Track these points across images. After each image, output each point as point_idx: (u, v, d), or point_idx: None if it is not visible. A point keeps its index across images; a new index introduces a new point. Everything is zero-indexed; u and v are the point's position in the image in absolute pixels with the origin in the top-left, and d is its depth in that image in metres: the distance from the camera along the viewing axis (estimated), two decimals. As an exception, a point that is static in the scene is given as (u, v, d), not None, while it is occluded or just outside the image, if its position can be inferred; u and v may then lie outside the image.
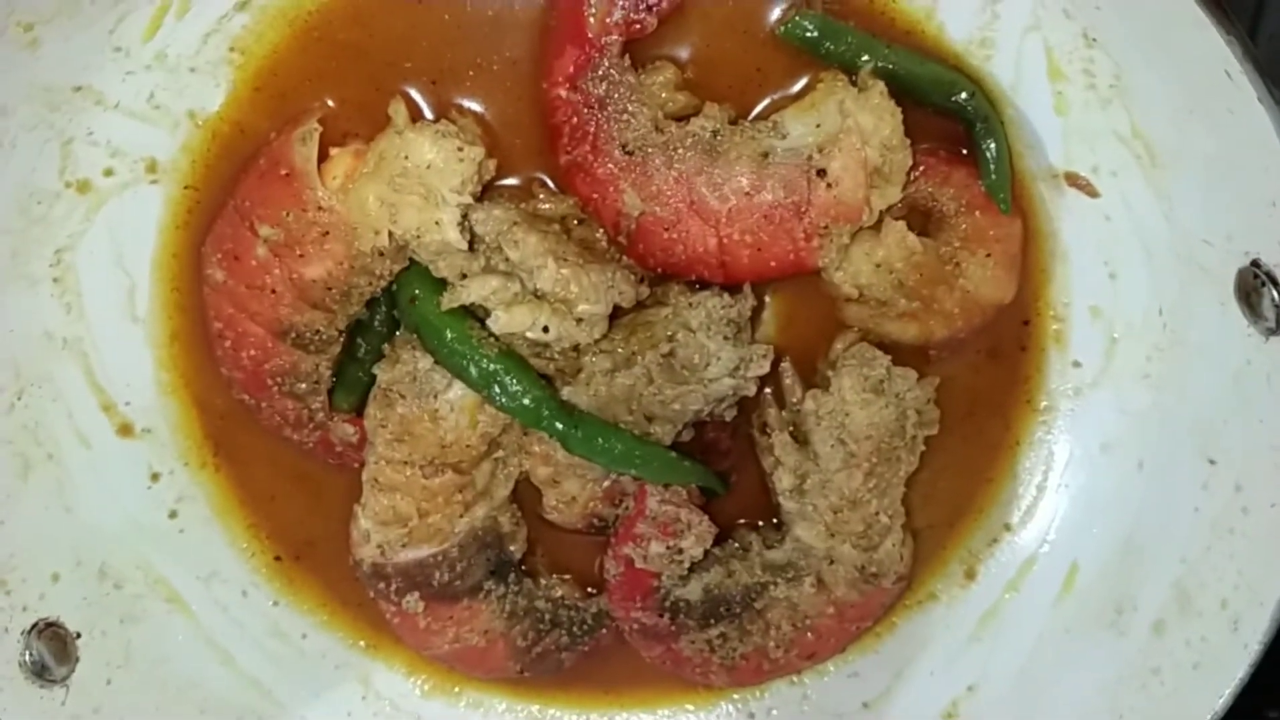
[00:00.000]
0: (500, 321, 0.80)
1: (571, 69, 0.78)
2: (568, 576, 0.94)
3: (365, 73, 0.81)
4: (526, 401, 0.82)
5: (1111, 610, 0.85)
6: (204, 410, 0.90)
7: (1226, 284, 0.72)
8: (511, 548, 0.92)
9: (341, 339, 0.86)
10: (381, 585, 0.89)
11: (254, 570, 0.93)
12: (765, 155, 0.79)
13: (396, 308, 0.85)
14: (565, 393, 0.84)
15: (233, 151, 0.83)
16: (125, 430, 0.88)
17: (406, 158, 0.77)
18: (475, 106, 0.82)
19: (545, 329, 0.80)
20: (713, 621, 0.90)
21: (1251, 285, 0.70)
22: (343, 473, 0.90)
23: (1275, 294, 0.68)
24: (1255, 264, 0.69)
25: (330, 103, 0.82)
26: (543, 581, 0.93)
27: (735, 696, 0.97)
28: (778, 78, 0.80)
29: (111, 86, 0.78)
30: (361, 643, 0.96)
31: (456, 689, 0.97)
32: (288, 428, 0.88)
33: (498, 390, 0.82)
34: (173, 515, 0.91)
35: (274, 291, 0.82)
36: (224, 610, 0.92)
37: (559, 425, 0.83)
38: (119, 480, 0.88)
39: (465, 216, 0.80)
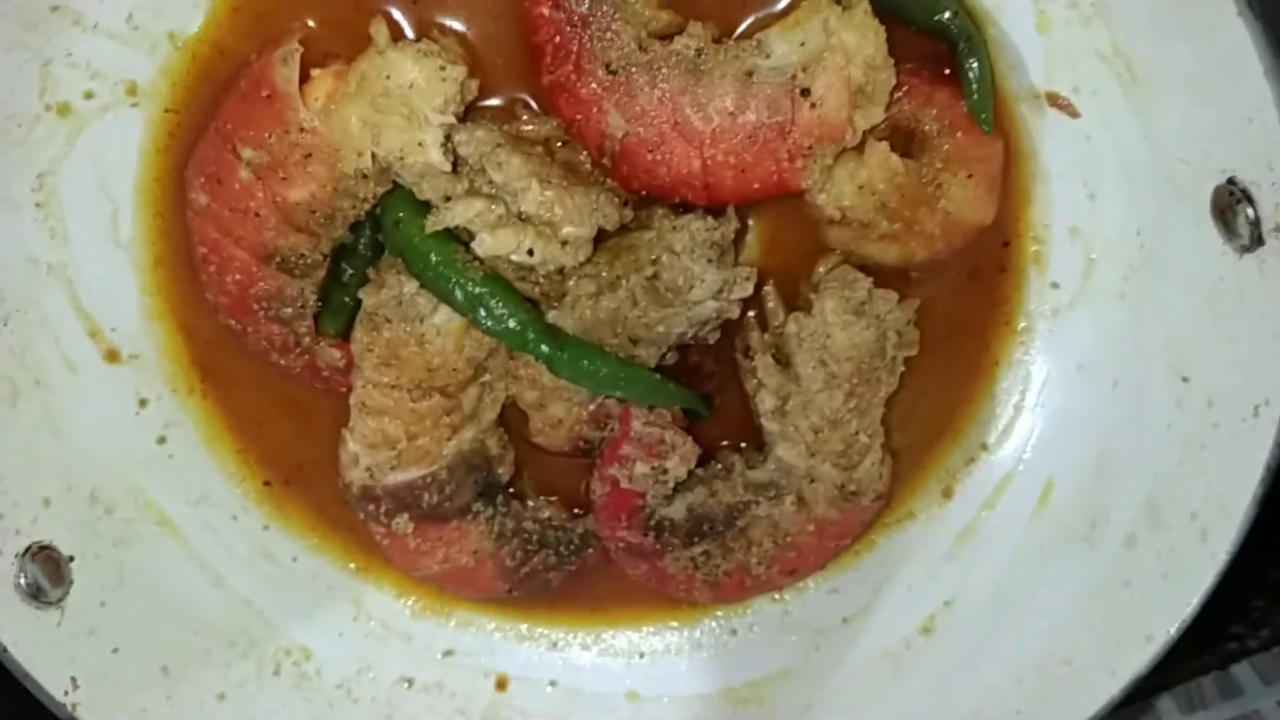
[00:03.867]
0: (485, 244, 0.80)
1: (554, -10, 0.78)
2: (555, 498, 0.96)
3: (344, -8, 0.81)
4: (512, 324, 0.83)
5: (1085, 525, 0.87)
6: (190, 336, 0.90)
7: (1203, 202, 0.73)
8: (499, 470, 0.93)
9: (326, 263, 0.86)
10: (371, 507, 0.90)
11: (244, 495, 0.94)
12: (749, 74, 0.79)
13: (381, 231, 0.85)
14: (550, 316, 0.85)
15: (213, 74, 0.82)
16: (112, 356, 0.88)
17: (388, 78, 0.77)
18: (457, 26, 0.81)
19: (530, 252, 0.81)
20: (696, 540, 0.92)
21: (1227, 203, 0.71)
22: (330, 397, 0.91)
23: (1250, 211, 0.69)
24: (1231, 181, 0.70)
25: (310, 23, 0.81)
26: (530, 503, 0.95)
27: (719, 613, 0.99)
28: (762, -3, 0.80)
29: (89, 6, 0.77)
30: (352, 565, 0.97)
31: (446, 609, 0.99)
32: (274, 353, 0.88)
33: (483, 313, 0.83)
34: (161, 441, 0.91)
35: (258, 215, 0.82)
36: (215, 534, 0.93)
37: (544, 348, 0.83)
38: (107, 406, 0.89)
39: (448, 138, 0.80)
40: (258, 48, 0.81)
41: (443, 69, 0.77)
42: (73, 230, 0.84)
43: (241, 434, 0.94)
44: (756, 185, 0.82)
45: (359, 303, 0.86)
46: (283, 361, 0.89)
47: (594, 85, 0.80)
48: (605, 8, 0.78)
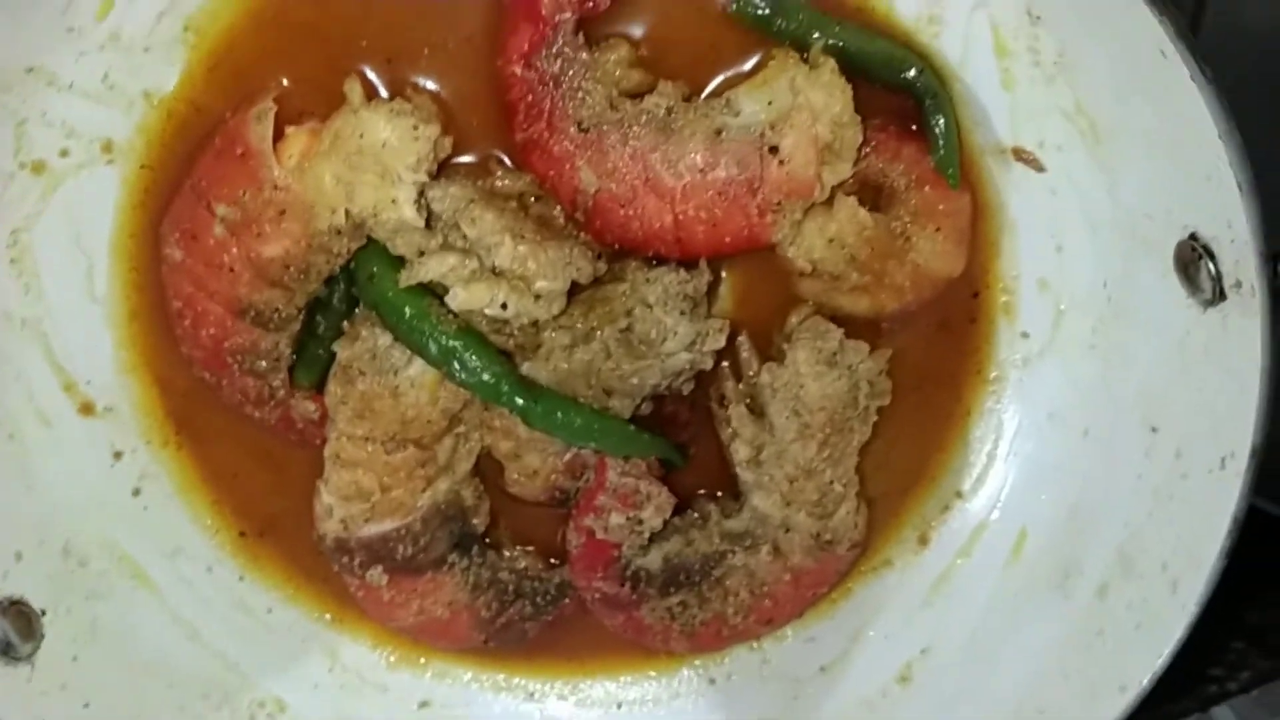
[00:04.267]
0: (459, 298, 0.81)
1: (526, 46, 0.79)
2: (531, 548, 0.96)
3: (320, 52, 0.81)
4: (486, 377, 0.83)
5: (1059, 574, 0.88)
6: (165, 389, 0.91)
7: (1167, 257, 0.74)
8: (475, 521, 0.93)
9: (301, 317, 0.86)
10: (345, 559, 0.90)
11: (218, 546, 0.94)
12: (718, 132, 0.80)
13: (355, 285, 0.86)
14: (525, 368, 0.85)
15: (188, 131, 0.83)
16: (87, 409, 0.89)
17: (362, 136, 0.78)
18: (431, 85, 0.82)
19: (504, 305, 0.81)
20: (673, 590, 0.92)
21: (1189, 258, 0.72)
22: (305, 449, 0.91)
23: (1211, 266, 0.70)
24: (1193, 237, 0.71)
25: (285, 82, 0.82)
26: (506, 554, 0.95)
27: (696, 663, 0.99)
28: (730, 55, 0.81)
29: (65, 67, 0.78)
30: (327, 616, 0.97)
31: (422, 660, 0.99)
32: (249, 405, 0.89)
33: (457, 366, 0.83)
34: (136, 493, 0.91)
35: (232, 270, 0.82)
36: (189, 586, 0.93)
37: (519, 400, 0.84)
38: (81, 459, 0.89)
39: (422, 194, 0.80)
40: (233, 106, 0.81)
41: (416, 128, 0.78)
42: (47, 285, 0.84)
43: (216, 485, 0.94)
44: (727, 239, 0.82)
45: (333, 355, 0.86)
46: (257, 414, 0.89)
47: (566, 142, 0.80)
48: (577, 67, 0.79)
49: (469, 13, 0.81)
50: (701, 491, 0.95)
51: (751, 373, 0.89)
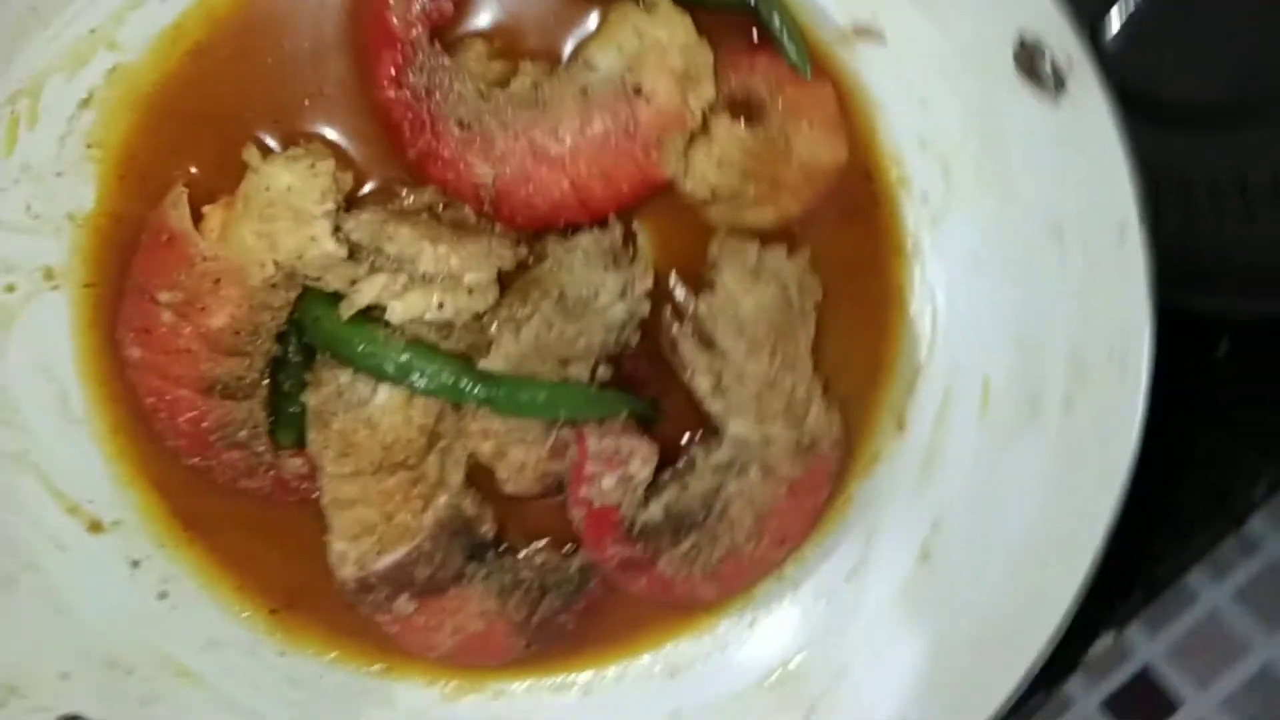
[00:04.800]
0: (398, 312, 0.86)
1: (392, 70, 0.86)
2: (544, 542, 0.99)
3: (214, 133, 0.88)
4: (445, 378, 0.88)
5: (1027, 408, 0.91)
6: (164, 491, 0.95)
7: (1009, 69, 0.80)
8: (482, 529, 0.97)
9: (265, 379, 0.91)
10: (370, 598, 0.93)
11: (254, 628, 0.98)
12: (584, 91, 0.86)
13: (305, 334, 0.91)
14: (481, 365, 0.90)
15: (117, 241, 0.89)
16: (95, 527, 0.93)
17: (268, 188, 0.84)
18: (319, 130, 0.89)
19: (440, 306, 0.86)
20: (682, 535, 0.95)
21: (1026, 60, 0.78)
22: (306, 508, 0.95)
23: (1046, 58, 0.75)
24: (1021, 41, 0.77)
25: (192, 169, 0.89)
26: (522, 553, 0.98)
27: (730, 610, 1.01)
28: (573, 21, 0.88)
29: (-14, 206, 0.85)
30: (377, 667, 1.00)
31: (477, 684, 1.01)
32: (242, 479, 0.93)
33: (417, 377, 0.88)
34: (162, 596, 0.95)
35: (189, 350, 0.87)
36: (235, 673, 0.96)
37: (481, 391, 0.88)
38: (102, 574, 0.93)
39: (338, 229, 0.86)
40: (150, 204, 0.88)
41: (312, 166, 0.84)
42: (27, 417, 0.89)
43: (237, 571, 0.97)
44: (625, 187, 0.88)
45: (304, 407, 0.91)
46: (252, 484, 0.93)
47: (454, 144, 0.87)
48: (442, 74, 0.86)
49: (334, 58, 0.88)
50: (685, 439, 0.98)
51: (690, 308, 0.94)
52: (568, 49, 0.89)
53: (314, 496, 0.93)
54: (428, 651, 0.97)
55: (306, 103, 0.88)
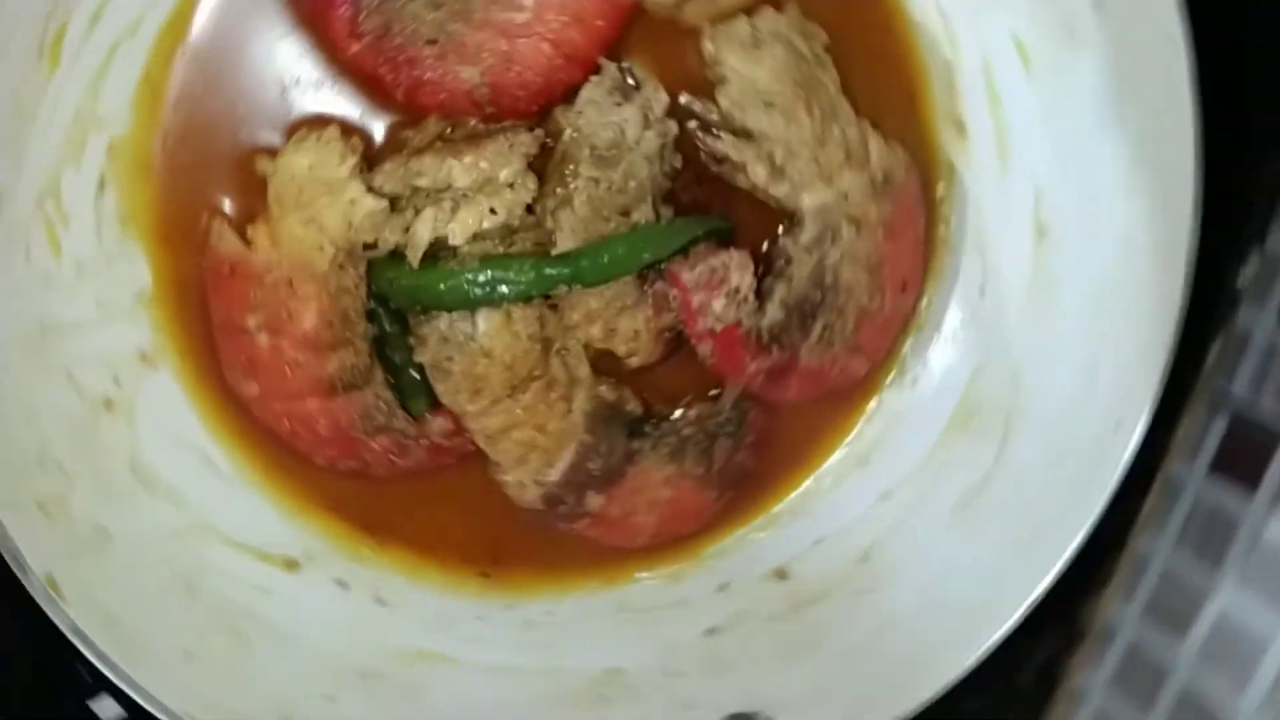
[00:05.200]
0: (457, 233, 0.88)
1: (345, 27, 0.88)
2: (689, 397, 1.00)
3: (223, 162, 0.91)
4: (529, 275, 0.89)
5: (1064, 33, 0.89)
6: (336, 509, 0.98)
7: None
8: (628, 408, 0.98)
9: (375, 360, 0.94)
10: (562, 510, 0.95)
11: (473, 595, 1.00)
12: None
13: (391, 302, 0.93)
14: (554, 253, 0.91)
15: (188, 300, 0.92)
16: (291, 565, 0.96)
17: (292, 178, 0.86)
18: (313, 112, 0.91)
19: (492, 211, 0.88)
20: (810, 322, 0.95)
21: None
22: (471, 462, 0.96)
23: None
24: None
25: (223, 203, 0.91)
26: (676, 414, 0.99)
27: (891, 379, 1.01)
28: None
29: (63, 313, 0.88)
30: (594, 583, 1.01)
31: (693, 559, 1.02)
32: (398, 459, 0.95)
33: (504, 289, 0.89)
34: (380, 602, 0.98)
35: (297, 362, 0.90)
36: (475, 641, 0.98)
37: (565, 271, 0.90)
38: (317, 603, 0.95)
39: (370, 189, 0.88)
40: (200, 253, 0.91)
41: (319, 138, 0.87)
42: (183, 492, 0.93)
43: (434, 551, 1.00)
44: (600, 23, 0.89)
45: (421, 368, 0.93)
46: (410, 462, 0.96)
47: (431, 64, 0.88)
48: (389, 5, 0.87)
49: (290, 44, 0.90)
50: (765, 247, 0.98)
51: (712, 112, 0.94)
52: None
53: (470, 447, 0.95)
54: (634, 539, 0.99)
55: (287, 93, 0.90)
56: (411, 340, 0.93)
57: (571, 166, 0.90)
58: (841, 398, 1.01)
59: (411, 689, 0.95)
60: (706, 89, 0.94)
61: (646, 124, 0.90)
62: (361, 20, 0.87)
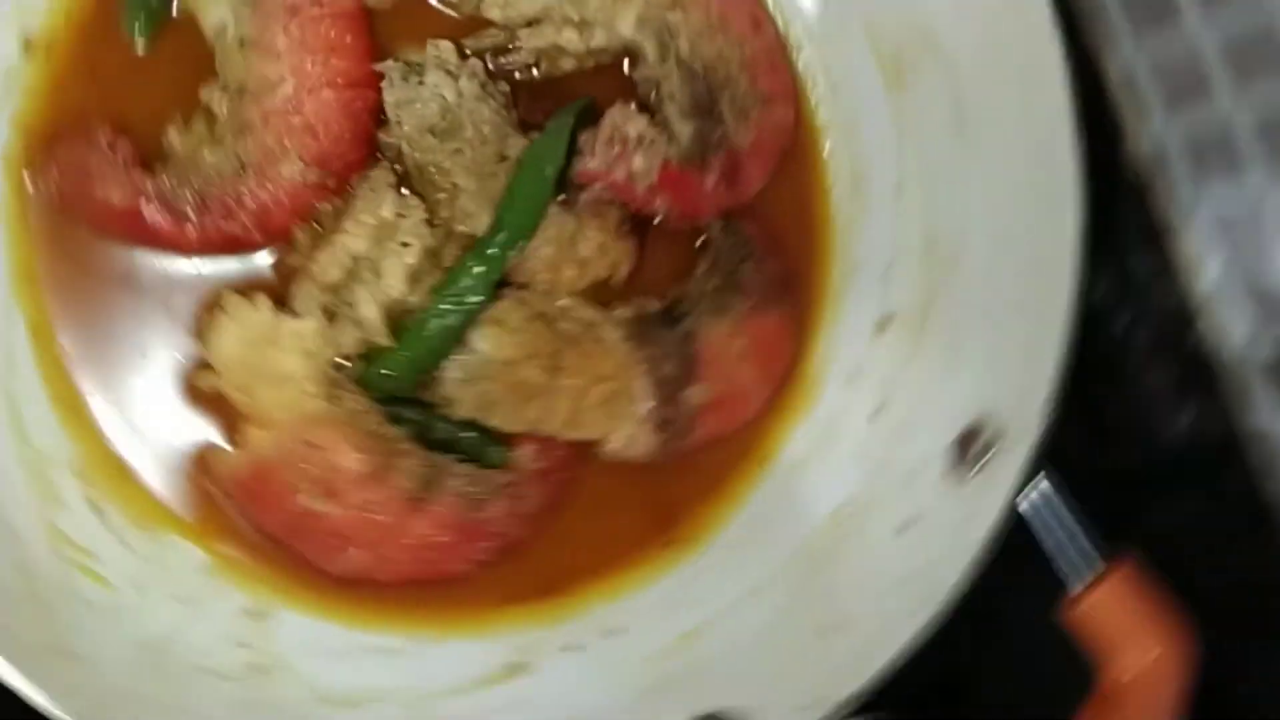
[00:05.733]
0: (395, 287, 0.86)
1: (169, 222, 0.87)
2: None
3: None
4: (479, 267, 0.87)
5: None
6: (528, 596, 0.94)
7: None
8: (650, 309, 0.95)
9: (430, 450, 0.90)
10: (677, 424, 0.92)
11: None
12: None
13: (401, 395, 0.90)
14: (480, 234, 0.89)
15: (242, 541, 0.90)
16: (516, 670, 0.92)
17: (232, 363, 0.85)
18: (204, 300, 0.90)
19: (404, 243, 0.87)
20: (716, 108, 0.93)
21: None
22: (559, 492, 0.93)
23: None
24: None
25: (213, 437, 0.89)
26: (698, 273, 0.96)
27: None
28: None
29: (150, 626, 0.85)
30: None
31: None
32: (520, 511, 0.91)
33: (470, 296, 0.87)
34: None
35: (372, 502, 0.86)
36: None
37: (500, 237, 0.87)
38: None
39: (299, 317, 0.86)
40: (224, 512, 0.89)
41: (228, 314, 0.85)
42: (376, 683, 0.89)
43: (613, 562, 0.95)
44: (350, 38, 0.88)
45: (473, 423, 0.90)
46: (533, 505, 0.92)
47: (254, 187, 0.87)
48: (163, 184, 0.87)
49: (143, 268, 0.89)
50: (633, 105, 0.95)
51: (498, 35, 0.93)
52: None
53: (568, 450, 0.92)
54: (754, 398, 0.96)
55: (171, 307, 0.89)
56: (441, 409, 0.90)
57: (430, 159, 0.89)
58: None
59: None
60: (475, 26, 0.94)
61: (454, 77, 0.89)
62: (175, 204, 0.87)
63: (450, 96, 0.89)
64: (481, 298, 0.88)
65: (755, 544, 0.95)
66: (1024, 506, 0.85)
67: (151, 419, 0.89)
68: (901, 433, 0.92)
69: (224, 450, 0.86)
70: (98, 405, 0.88)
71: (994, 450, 0.86)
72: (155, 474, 0.88)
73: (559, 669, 0.92)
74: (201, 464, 0.88)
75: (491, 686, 0.91)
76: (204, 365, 0.87)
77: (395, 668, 0.89)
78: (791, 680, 0.87)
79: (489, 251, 0.88)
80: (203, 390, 0.88)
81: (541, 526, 0.93)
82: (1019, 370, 0.86)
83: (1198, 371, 0.84)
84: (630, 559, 0.96)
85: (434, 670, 0.90)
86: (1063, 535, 0.85)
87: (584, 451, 0.93)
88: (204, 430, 0.89)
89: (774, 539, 0.94)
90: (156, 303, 0.89)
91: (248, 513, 0.87)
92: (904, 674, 0.84)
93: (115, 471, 0.87)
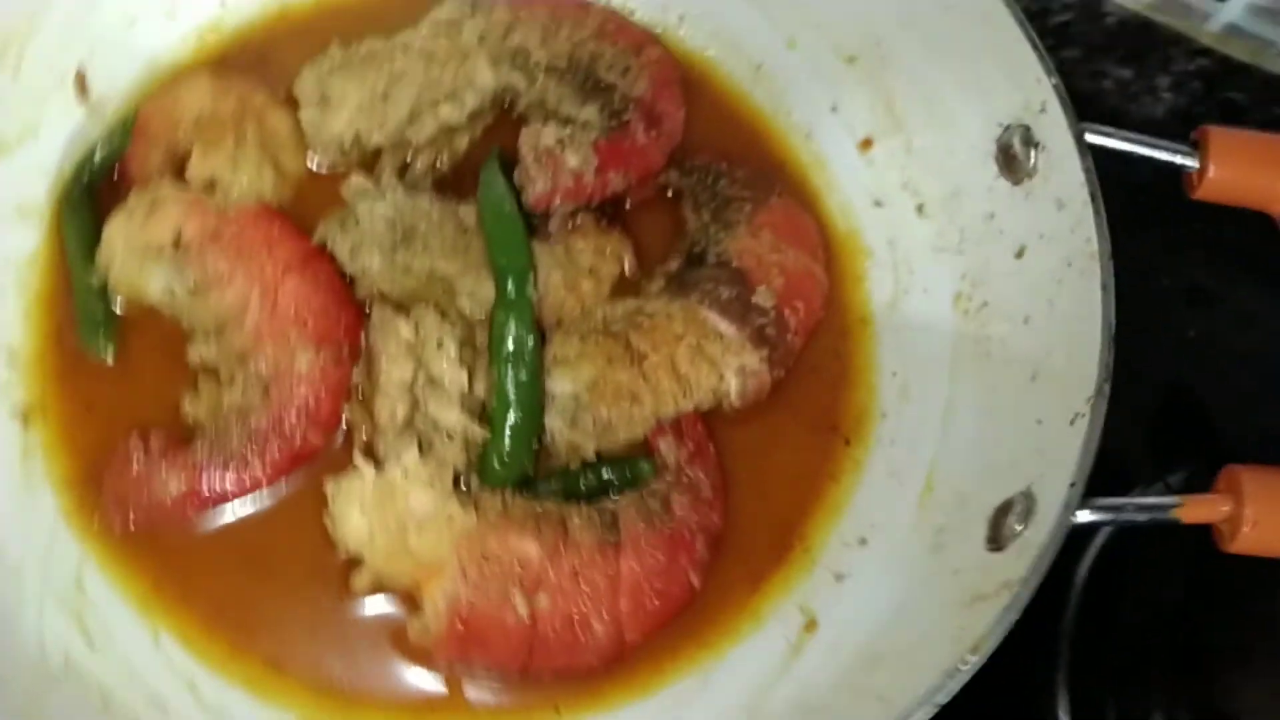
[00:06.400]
0: (454, 395, 0.85)
1: (210, 488, 0.85)
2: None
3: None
4: (512, 330, 0.87)
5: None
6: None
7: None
8: (672, 266, 0.95)
9: (588, 498, 0.86)
10: (772, 331, 0.90)
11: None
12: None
13: (531, 483, 0.87)
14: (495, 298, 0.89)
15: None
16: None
17: (378, 558, 0.81)
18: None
19: (439, 344, 0.86)
20: (601, 83, 0.97)
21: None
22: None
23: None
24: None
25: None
26: (689, 219, 0.97)
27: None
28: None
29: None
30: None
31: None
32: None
33: (525, 357, 0.87)
34: None
35: (581, 571, 0.81)
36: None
37: (511, 286, 0.88)
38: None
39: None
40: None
41: (333, 518, 0.82)
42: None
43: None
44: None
45: (615, 461, 0.88)
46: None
47: (271, 434, 0.86)
48: (192, 458, 0.86)
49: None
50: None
51: None
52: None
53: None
54: (816, 273, 0.95)
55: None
56: (571, 461, 0.88)
57: (409, 274, 0.89)
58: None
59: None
60: (368, 166, 0.96)
61: (379, 196, 0.91)
62: (228, 459, 0.85)
63: (388, 211, 0.90)
64: (531, 339, 0.87)
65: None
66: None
67: (333, 644, 0.84)
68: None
69: (414, 620, 0.81)
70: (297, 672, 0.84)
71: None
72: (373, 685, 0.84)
73: (841, 603, 0.87)
74: (404, 647, 0.83)
75: (793, 660, 0.86)
76: (352, 562, 0.83)
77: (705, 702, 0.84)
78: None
79: (509, 299, 0.88)
80: (364, 585, 0.83)
81: (730, 503, 0.89)
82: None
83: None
84: (825, 474, 0.92)
85: (738, 675, 0.85)
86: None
87: (718, 416, 0.90)
88: (384, 620, 0.84)
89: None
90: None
91: (472, 659, 0.81)
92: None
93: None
